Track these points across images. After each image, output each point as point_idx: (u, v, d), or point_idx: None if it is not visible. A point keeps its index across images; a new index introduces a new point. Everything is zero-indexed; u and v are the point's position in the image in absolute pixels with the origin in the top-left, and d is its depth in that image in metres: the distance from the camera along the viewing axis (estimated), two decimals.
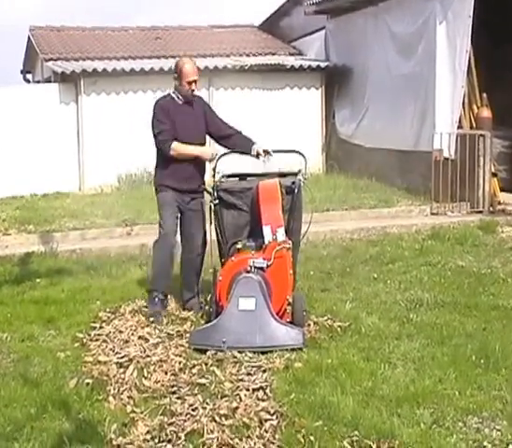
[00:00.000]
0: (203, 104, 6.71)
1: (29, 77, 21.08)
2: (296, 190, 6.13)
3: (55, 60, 16.21)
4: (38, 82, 19.01)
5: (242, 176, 6.54)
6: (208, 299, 6.24)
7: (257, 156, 6.47)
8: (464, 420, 4.23)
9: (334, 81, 15.58)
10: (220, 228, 6.21)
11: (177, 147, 6.35)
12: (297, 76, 15.62)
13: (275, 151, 6.53)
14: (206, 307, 6.19)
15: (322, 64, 15.55)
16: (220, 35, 18.92)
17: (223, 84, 14.55)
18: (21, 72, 21.22)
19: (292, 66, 15.55)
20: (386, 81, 13.30)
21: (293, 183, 6.17)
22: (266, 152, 6.46)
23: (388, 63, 13.22)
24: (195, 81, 6.43)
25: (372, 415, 4.26)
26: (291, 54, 17.48)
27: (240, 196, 6.23)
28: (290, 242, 5.90)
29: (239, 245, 6.05)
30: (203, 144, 6.57)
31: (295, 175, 6.31)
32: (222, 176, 6.37)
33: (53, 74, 15.68)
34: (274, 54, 17.41)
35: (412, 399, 4.46)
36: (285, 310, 5.74)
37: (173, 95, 6.54)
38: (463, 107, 11.32)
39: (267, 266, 5.75)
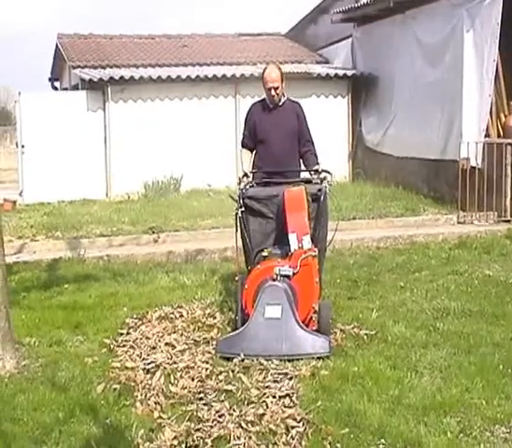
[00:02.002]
0: (296, 111, 6.74)
1: (57, 84, 21.30)
2: (322, 198, 6.13)
3: (83, 67, 16.40)
4: (66, 89, 19.19)
5: (268, 184, 6.56)
6: (234, 307, 6.26)
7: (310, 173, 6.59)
8: (492, 430, 4.20)
9: (361, 89, 15.60)
10: (246, 235, 6.23)
11: (242, 152, 6.87)
12: (324, 84, 15.66)
13: (302, 171, 6.63)
14: (232, 315, 6.21)
15: (349, 73, 15.58)
16: (247, 43, 19.02)
17: (250, 92, 14.54)
18: (49, 79, 21.45)
19: (319, 74, 15.60)
20: (413, 89, 13.28)
21: (319, 190, 6.16)
22: (320, 172, 6.48)
23: (415, 71, 13.20)
24: (275, 88, 6.50)
25: (398, 423, 4.25)
26: (318, 62, 17.52)
27: (266, 203, 6.23)
28: (315, 249, 5.90)
29: (265, 253, 6.06)
30: (292, 149, 6.67)
31: (321, 182, 6.31)
32: (248, 184, 6.39)
33: (81, 81, 15.83)
34: (300, 62, 17.45)
35: (439, 407, 4.45)
36: (311, 318, 5.73)
37: (266, 100, 6.70)
38: (491, 116, 11.28)
39: (293, 274, 5.74)
